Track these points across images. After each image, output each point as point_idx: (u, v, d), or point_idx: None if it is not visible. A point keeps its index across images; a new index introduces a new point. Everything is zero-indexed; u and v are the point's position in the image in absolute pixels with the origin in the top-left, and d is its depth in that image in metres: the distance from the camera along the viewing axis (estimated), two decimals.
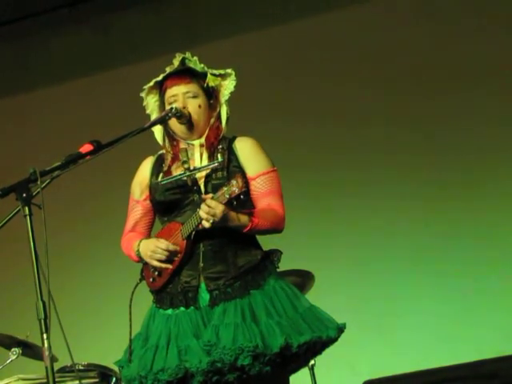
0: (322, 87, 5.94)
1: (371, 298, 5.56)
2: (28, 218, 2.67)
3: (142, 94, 3.26)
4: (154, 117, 3.26)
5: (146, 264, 3.24)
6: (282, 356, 2.93)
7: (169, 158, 3.23)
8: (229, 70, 3.23)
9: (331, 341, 3.05)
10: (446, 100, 5.72)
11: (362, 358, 5.39)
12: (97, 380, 4.39)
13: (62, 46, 6.52)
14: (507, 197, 5.53)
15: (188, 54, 3.23)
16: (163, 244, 3.10)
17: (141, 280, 3.25)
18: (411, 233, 5.64)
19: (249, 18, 6.21)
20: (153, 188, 3.23)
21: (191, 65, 3.23)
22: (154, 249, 3.11)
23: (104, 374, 4.46)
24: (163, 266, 3.12)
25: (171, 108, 3.13)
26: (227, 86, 3.23)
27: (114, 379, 4.50)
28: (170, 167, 3.22)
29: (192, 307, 3.07)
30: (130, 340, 3.16)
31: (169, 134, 3.25)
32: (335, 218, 5.77)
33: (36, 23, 6.53)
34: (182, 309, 3.09)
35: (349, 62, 5.93)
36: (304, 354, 2.99)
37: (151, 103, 3.28)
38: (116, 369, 4.54)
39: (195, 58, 3.22)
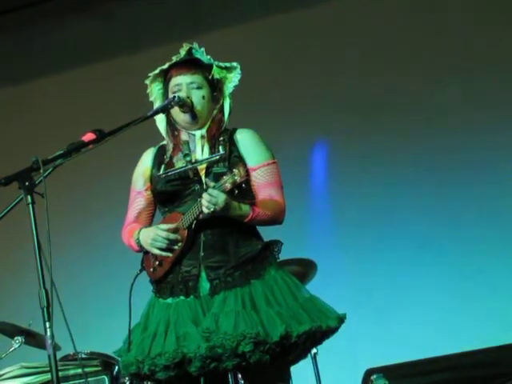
0: (324, 75, 5.94)
1: (373, 287, 5.57)
2: (30, 206, 2.67)
3: (147, 81, 3.26)
4: (156, 105, 3.26)
5: (146, 254, 3.24)
6: (282, 345, 2.93)
7: (170, 148, 3.24)
8: (234, 64, 3.23)
9: (331, 331, 3.05)
10: (448, 88, 5.73)
11: (365, 347, 5.40)
12: (99, 368, 4.40)
13: (64, 34, 6.51)
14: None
15: (195, 45, 3.23)
16: (164, 232, 3.10)
17: (141, 270, 3.25)
18: (413, 223, 5.64)
19: (251, 6, 6.20)
20: (154, 179, 3.23)
21: (198, 55, 3.23)
22: (155, 237, 3.11)
23: (107, 362, 4.47)
24: (164, 254, 3.12)
25: (174, 96, 3.13)
26: (232, 79, 3.23)
27: (116, 368, 4.51)
28: (171, 158, 3.22)
29: (192, 296, 3.08)
30: (129, 330, 3.16)
31: (170, 123, 3.25)
32: (338, 207, 5.77)
33: (38, 12, 6.53)
34: (182, 298, 3.10)
35: (351, 49, 5.93)
36: (303, 344, 2.98)
37: (155, 91, 3.28)
38: (118, 357, 4.58)
39: (202, 48, 3.22)
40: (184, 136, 3.23)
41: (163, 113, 3.19)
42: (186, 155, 3.15)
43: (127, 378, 4.17)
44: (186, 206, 3.12)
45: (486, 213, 5.53)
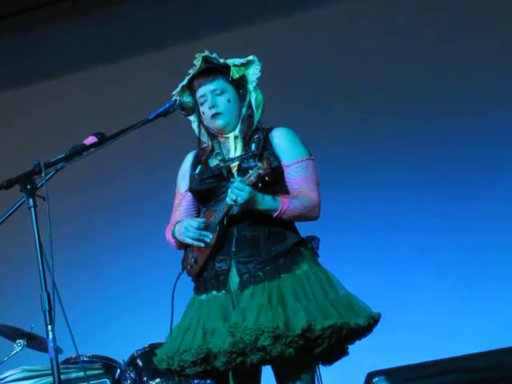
0: (327, 80, 5.94)
1: (374, 291, 5.55)
2: (32, 209, 2.68)
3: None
4: (191, 116, 3.31)
5: (185, 252, 3.29)
6: (306, 339, 2.92)
7: (207, 150, 3.29)
8: (250, 57, 3.25)
9: (361, 329, 3.03)
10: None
11: (366, 350, 5.38)
12: (101, 371, 4.41)
13: (64, 39, 6.52)
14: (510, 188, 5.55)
15: (207, 52, 3.24)
16: (195, 222, 3.14)
17: (182, 270, 3.28)
18: (413, 228, 5.64)
19: (252, 10, 6.21)
20: (191, 179, 3.28)
21: (213, 61, 3.25)
22: (187, 226, 3.15)
23: (108, 365, 4.48)
24: (195, 244, 3.15)
25: (175, 100, 3.15)
26: (253, 73, 3.24)
27: (118, 371, 4.51)
28: (207, 158, 3.27)
29: (223, 291, 3.10)
30: (171, 329, 3.19)
31: (205, 128, 3.31)
32: (339, 210, 5.77)
33: (39, 16, 6.54)
34: (214, 293, 3.12)
35: (351, 54, 5.94)
36: (329, 338, 2.95)
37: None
38: (120, 360, 4.58)
39: (215, 54, 3.24)
40: (220, 139, 3.28)
41: (164, 116, 3.20)
42: (217, 154, 3.23)
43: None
44: (220, 204, 3.16)
45: (485, 218, 5.53)
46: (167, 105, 3.14)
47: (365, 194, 5.72)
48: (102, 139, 2.94)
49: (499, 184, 5.56)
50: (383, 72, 5.84)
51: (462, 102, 5.70)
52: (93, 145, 2.92)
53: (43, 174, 2.73)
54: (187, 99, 3.29)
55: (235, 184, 2.99)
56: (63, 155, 2.85)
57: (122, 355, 4.62)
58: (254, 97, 3.25)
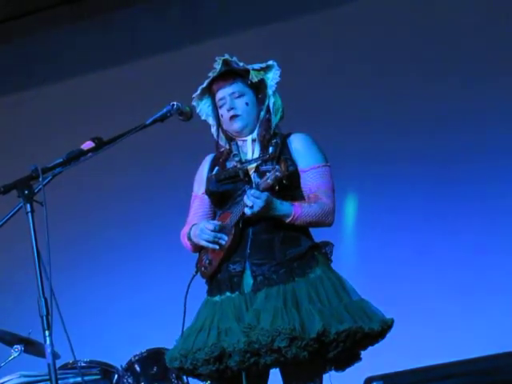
0: (322, 86, 5.94)
1: (372, 294, 5.54)
2: (30, 215, 2.67)
3: (194, 103, 3.31)
4: (210, 121, 3.34)
5: (199, 254, 3.30)
6: (320, 342, 2.94)
7: (224, 153, 3.31)
8: (270, 62, 3.27)
9: (375, 334, 3.05)
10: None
11: (364, 355, 5.38)
12: (99, 377, 4.41)
13: (62, 43, 6.52)
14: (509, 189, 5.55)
15: (227, 56, 3.27)
16: (211, 225, 3.15)
17: (196, 272, 3.29)
18: (413, 228, 5.64)
19: (249, 14, 6.21)
20: (208, 181, 3.30)
21: (233, 65, 3.27)
22: (202, 228, 3.17)
23: (106, 370, 4.48)
24: (210, 246, 3.16)
25: (172, 104, 3.15)
26: (272, 77, 3.27)
27: (115, 376, 4.51)
28: (224, 161, 3.29)
29: (237, 292, 3.12)
30: (183, 330, 3.20)
31: (224, 131, 3.32)
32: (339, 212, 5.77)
33: (37, 20, 6.54)
34: (228, 294, 3.14)
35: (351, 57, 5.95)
36: (343, 343, 2.97)
37: (204, 108, 3.34)
38: (118, 366, 4.58)
39: (234, 57, 3.26)
40: (238, 142, 3.30)
41: (161, 121, 3.20)
42: (234, 155, 3.24)
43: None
44: (236, 206, 3.17)
45: (486, 216, 5.53)
46: (164, 110, 3.13)
47: (362, 199, 5.73)
48: (100, 144, 2.94)
49: (498, 182, 5.56)
50: (382, 83, 5.84)
51: (462, 113, 5.70)
52: (90, 150, 2.92)
53: (41, 179, 2.73)
54: (206, 104, 3.32)
55: (252, 192, 3.02)
56: (61, 160, 2.85)
57: (119, 360, 4.61)
58: (272, 101, 3.27)
